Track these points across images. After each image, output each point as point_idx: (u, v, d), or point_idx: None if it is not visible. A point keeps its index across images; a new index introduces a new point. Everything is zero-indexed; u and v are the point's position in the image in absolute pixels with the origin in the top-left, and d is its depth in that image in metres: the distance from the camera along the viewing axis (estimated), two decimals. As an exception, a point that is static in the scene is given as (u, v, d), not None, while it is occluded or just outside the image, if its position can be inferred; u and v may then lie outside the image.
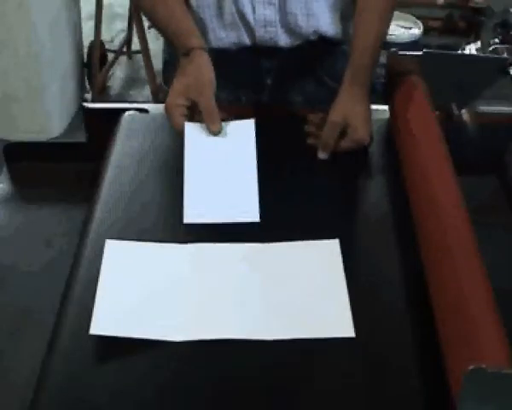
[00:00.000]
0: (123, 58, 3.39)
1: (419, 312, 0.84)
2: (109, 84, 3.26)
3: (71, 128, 2.28)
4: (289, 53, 1.26)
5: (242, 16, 1.21)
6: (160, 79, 2.50)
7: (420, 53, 1.17)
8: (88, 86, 3.02)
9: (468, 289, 0.77)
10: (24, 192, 1.19)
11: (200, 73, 1.06)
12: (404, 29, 2.96)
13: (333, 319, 0.84)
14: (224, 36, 1.24)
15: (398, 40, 2.87)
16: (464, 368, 0.66)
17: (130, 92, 3.22)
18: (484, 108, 1.21)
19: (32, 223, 1.07)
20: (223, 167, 1.00)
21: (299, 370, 0.79)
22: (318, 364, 0.80)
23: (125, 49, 3.35)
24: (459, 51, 2.77)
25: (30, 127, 2.46)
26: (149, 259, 0.92)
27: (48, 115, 2.53)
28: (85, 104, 1.29)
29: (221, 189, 0.98)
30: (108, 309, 0.84)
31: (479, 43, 2.92)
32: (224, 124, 1.04)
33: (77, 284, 0.89)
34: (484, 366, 0.65)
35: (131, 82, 3.29)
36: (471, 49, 2.99)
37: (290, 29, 1.24)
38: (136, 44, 3.14)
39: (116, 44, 3.40)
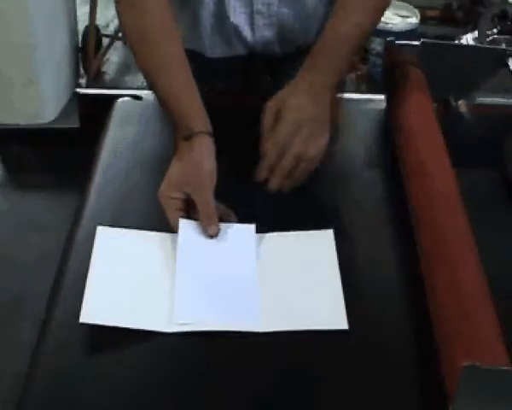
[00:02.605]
0: (118, 43, 3.36)
1: (414, 304, 0.83)
2: (104, 69, 3.23)
3: (65, 113, 2.26)
4: (286, 57, 1.25)
5: (240, 36, 1.20)
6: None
7: (418, 43, 1.15)
8: (82, 71, 3.00)
9: (464, 283, 0.76)
10: (17, 178, 1.18)
11: (201, 164, 0.92)
12: (401, 18, 2.95)
13: (326, 311, 0.83)
14: (220, 51, 1.23)
15: (395, 29, 2.86)
16: (459, 364, 0.66)
17: (125, 78, 3.20)
18: (482, 100, 1.20)
19: (24, 209, 1.06)
20: (219, 271, 0.89)
21: (291, 362, 0.78)
22: (311, 356, 0.79)
23: (120, 35, 3.32)
24: (456, 41, 2.76)
25: (24, 112, 2.44)
26: (141, 247, 0.91)
27: (42, 100, 2.51)
28: (79, 90, 1.28)
29: (216, 293, 0.86)
30: (99, 298, 0.83)
31: (476, 33, 2.90)
32: (223, 226, 0.92)
33: (68, 271, 0.88)
34: (478, 363, 0.64)
35: (126, 67, 3.27)
36: (468, 38, 2.97)
37: (288, 42, 1.23)
38: (131, 30, 3.11)
39: (111, 29, 3.37)
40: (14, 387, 0.75)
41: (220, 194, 0.93)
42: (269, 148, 0.94)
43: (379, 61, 2.86)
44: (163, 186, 0.92)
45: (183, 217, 0.91)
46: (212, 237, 0.91)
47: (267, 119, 0.96)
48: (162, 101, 1.01)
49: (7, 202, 1.10)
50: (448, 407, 0.68)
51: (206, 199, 0.91)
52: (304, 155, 0.94)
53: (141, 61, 1.04)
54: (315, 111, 0.97)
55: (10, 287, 0.87)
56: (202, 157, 0.93)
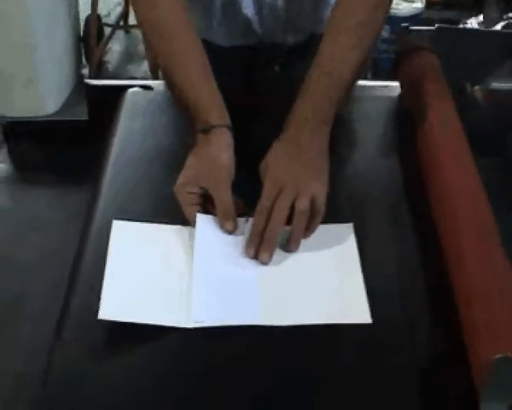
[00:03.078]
0: (120, 32, 3.35)
1: (439, 297, 0.82)
2: (106, 59, 3.22)
3: (68, 105, 2.24)
4: (295, 47, 1.24)
5: (250, 26, 1.18)
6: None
7: (432, 28, 1.14)
8: (85, 61, 2.98)
9: (491, 274, 0.75)
10: (24, 173, 1.16)
11: (218, 159, 0.91)
12: (406, 2, 2.93)
13: (349, 304, 0.81)
14: (230, 41, 1.21)
15: (400, 14, 2.84)
16: (489, 357, 0.64)
17: (128, 67, 3.18)
18: (497, 85, 1.18)
19: (30, 206, 1.04)
20: (237, 266, 0.87)
21: (314, 356, 0.76)
22: (334, 350, 0.78)
23: (121, 24, 3.30)
24: (461, 25, 2.74)
25: (26, 103, 2.41)
26: (158, 240, 0.90)
27: (45, 91, 2.48)
28: (87, 81, 1.26)
29: (235, 289, 0.84)
30: (117, 294, 0.81)
31: (480, 18, 2.88)
32: (241, 221, 0.90)
33: (84, 266, 0.86)
34: (510, 354, 0.63)
35: (129, 57, 3.25)
36: (472, 23, 2.95)
37: (298, 31, 1.21)
38: (133, 18, 3.09)
39: (113, 18, 3.35)
40: (14, 387, 0.73)
41: (235, 189, 0.91)
42: (254, 219, 0.89)
43: (384, 48, 2.85)
44: (179, 181, 0.90)
45: (199, 212, 0.90)
46: (229, 232, 0.89)
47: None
48: (179, 94, 0.99)
49: (11, 199, 1.07)
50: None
51: (224, 195, 0.89)
52: (296, 210, 0.87)
53: (157, 54, 1.02)
54: (295, 168, 0.90)
55: (10, 287, 0.85)
56: (220, 151, 0.92)
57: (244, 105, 1.08)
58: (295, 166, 0.91)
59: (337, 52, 0.97)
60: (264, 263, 0.86)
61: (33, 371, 0.75)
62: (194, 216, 0.89)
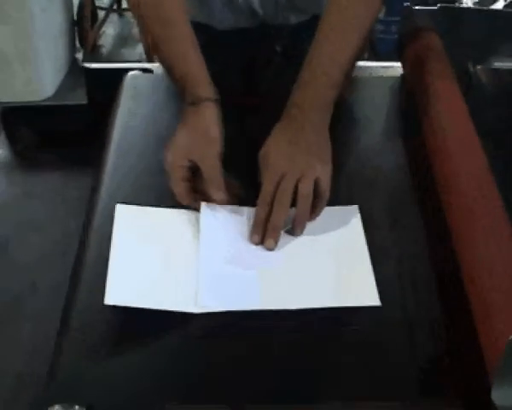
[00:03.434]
0: (114, 16, 3.32)
1: (446, 279, 0.81)
2: (100, 42, 3.19)
3: (63, 88, 2.22)
4: (297, 27, 1.22)
5: (250, 7, 1.17)
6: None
7: (435, 8, 1.12)
8: (79, 45, 2.95)
9: (501, 254, 0.74)
10: (23, 158, 1.14)
11: (207, 131, 0.91)
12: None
13: (357, 287, 0.81)
14: (231, 23, 1.20)
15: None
16: (502, 340, 0.64)
17: (122, 51, 3.16)
18: (500, 65, 1.17)
19: (31, 191, 1.03)
20: (242, 252, 0.86)
21: (323, 340, 0.76)
22: (344, 333, 0.77)
23: (115, 7, 3.28)
24: (456, 4, 2.72)
25: (21, 88, 2.40)
26: (162, 224, 0.89)
27: (39, 75, 2.46)
28: (86, 65, 1.25)
29: (240, 274, 0.83)
30: (122, 278, 0.80)
31: (479, -5, 2.86)
32: (245, 210, 0.90)
33: (88, 251, 0.85)
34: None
35: (123, 40, 3.22)
36: (467, 2, 2.93)
37: (299, 11, 1.20)
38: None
39: (106, 1, 3.32)
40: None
41: (237, 171, 0.91)
42: (257, 207, 0.88)
43: (381, 28, 2.83)
44: (169, 154, 0.90)
45: (187, 188, 0.89)
46: (218, 202, 0.88)
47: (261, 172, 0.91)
48: (169, 66, 0.99)
49: (14, 183, 1.06)
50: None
51: (213, 165, 0.89)
52: (300, 193, 0.87)
53: (148, 28, 1.04)
54: (297, 150, 0.90)
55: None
56: (209, 124, 0.92)
57: (243, 104, 1.08)
58: (296, 150, 0.90)
59: (336, 37, 0.96)
60: (270, 249, 0.86)
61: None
62: (183, 193, 0.88)
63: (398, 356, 0.74)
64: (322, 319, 0.77)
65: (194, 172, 0.90)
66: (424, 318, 0.77)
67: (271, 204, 0.87)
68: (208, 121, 0.92)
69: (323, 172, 0.89)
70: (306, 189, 0.87)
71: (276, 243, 0.86)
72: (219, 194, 0.88)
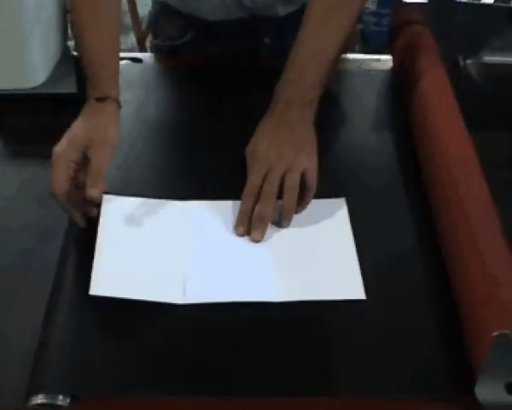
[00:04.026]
0: (106, 3, 3.30)
1: (432, 273, 0.81)
2: (92, 30, 3.17)
3: (55, 76, 2.20)
4: (286, 18, 1.22)
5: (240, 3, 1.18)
6: (145, 26, 2.44)
7: (426, 1, 1.12)
8: (70, 33, 2.93)
9: (485, 247, 0.74)
10: (14, 148, 1.14)
11: (108, 130, 0.90)
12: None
13: (342, 280, 0.81)
14: (220, 14, 1.20)
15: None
16: (486, 334, 0.64)
17: (114, 39, 3.13)
18: (490, 59, 1.17)
19: (23, 181, 1.02)
20: (232, 244, 0.86)
21: (307, 334, 0.76)
22: (328, 327, 0.77)
23: (108, -5, 3.25)
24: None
25: (12, 76, 2.38)
26: (148, 215, 0.88)
27: (31, 63, 2.45)
28: (76, 53, 1.24)
29: (229, 266, 0.83)
30: (108, 269, 0.80)
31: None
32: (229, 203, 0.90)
33: (74, 241, 0.85)
34: (507, 331, 0.62)
35: (115, 29, 3.20)
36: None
37: (288, 1, 1.20)
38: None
39: (99, -11, 3.30)
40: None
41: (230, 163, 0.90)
42: (242, 198, 0.88)
43: (372, 20, 2.82)
44: (63, 145, 0.86)
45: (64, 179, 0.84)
46: (91, 199, 0.85)
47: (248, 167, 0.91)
48: (87, 55, 0.97)
49: (5, 174, 1.05)
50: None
51: (102, 162, 0.86)
52: (286, 186, 0.87)
53: (73, 10, 1.07)
54: (284, 144, 0.90)
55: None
56: (110, 124, 0.91)
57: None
58: (283, 144, 0.89)
59: (321, 28, 0.95)
60: (257, 241, 0.85)
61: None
62: (60, 185, 0.84)
63: (398, 355, 0.74)
64: (313, 313, 0.78)
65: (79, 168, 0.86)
66: (421, 316, 0.78)
67: (257, 196, 0.87)
68: (111, 122, 0.91)
69: (310, 165, 0.89)
70: (293, 181, 0.87)
71: (262, 234, 0.85)
72: (94, 191, 0.84)
